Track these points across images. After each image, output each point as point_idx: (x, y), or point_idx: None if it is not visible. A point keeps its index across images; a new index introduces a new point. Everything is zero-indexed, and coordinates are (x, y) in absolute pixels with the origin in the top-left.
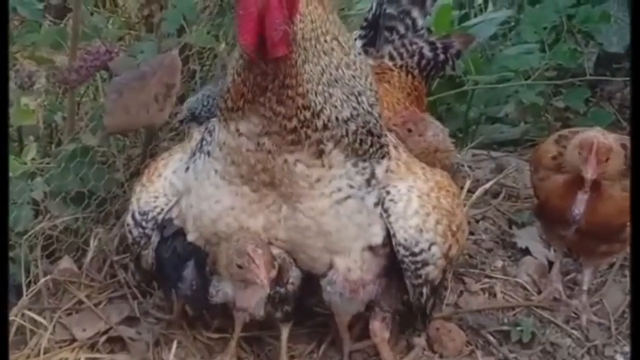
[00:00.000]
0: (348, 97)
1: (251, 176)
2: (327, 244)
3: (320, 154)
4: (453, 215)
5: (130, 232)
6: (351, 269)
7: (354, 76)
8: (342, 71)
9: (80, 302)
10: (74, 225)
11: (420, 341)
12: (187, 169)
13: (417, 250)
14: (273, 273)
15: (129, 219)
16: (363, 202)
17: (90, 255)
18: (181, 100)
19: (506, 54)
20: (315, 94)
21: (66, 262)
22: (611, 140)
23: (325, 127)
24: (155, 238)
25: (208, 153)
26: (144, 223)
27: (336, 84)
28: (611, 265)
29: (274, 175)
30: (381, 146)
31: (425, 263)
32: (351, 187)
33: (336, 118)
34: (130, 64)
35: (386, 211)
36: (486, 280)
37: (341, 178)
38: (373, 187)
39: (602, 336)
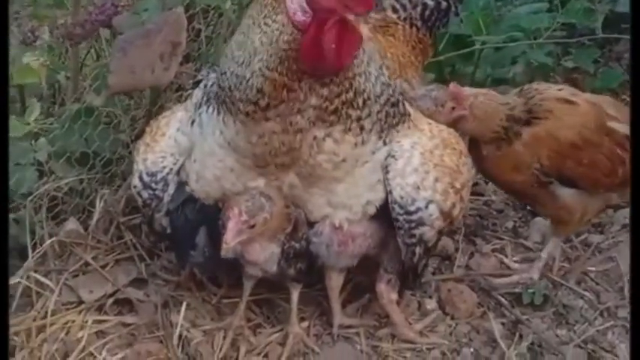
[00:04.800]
0: (378, 72)
1: (267, 162)
2: (331, 199)
3: (360, 130)
4: (458, 173)
5: (140, 194)
6: (350, 221)
7: (376, 49)
8: (372, 45)
9: (87, 264)
10: (79, 186)
11: (431, 303)
12: (193, 122)
13: (412, 208)
14: (289, 228)
15: (136, 181)
16: (376, 161)
17: (96, 216)
18: (187, 59)
19: (515, 13)
20: (360, 76)
21: (72, 224)
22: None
23: (365, 104)
24: (167, 199)
25: (214, 106)
26: (153, 185)
27: (372, 61)
28: (624, 226)
29: (299, 155)
30: (402, 115)
31: (420, 223)
32: (373, 152)
33: (373, 95)
34: (135, 22)
35: (386, 167)
36: (497, 241)
37: (367, 153)
38: (386, 144)
39: (614, 298)
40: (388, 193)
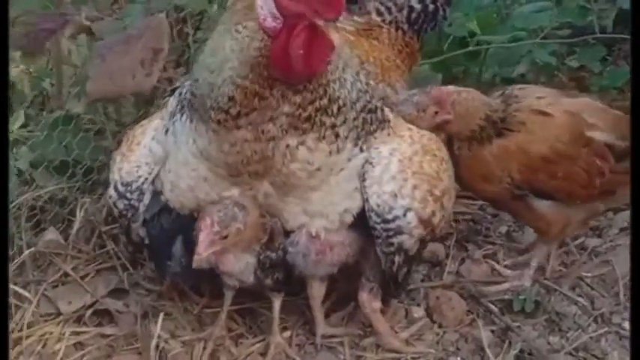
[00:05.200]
0: (354, 77)
1: (239, 171)
2: (307, 208)
3: (335, 138)
4: (438, 180)
5: (115, 204)
6: (327, 230)
7: (355, 54)
8: (348, 51)
9: (66, 274)
10: (59, 195)
11: (418, 311)
12: (167, 131)
13: (389, 216)
14: (264, 238)
15: (111, 191)
16: (352, 168)
17: (76, 226)
18: (178, 63)
19: (518, 12)
20: (335, 82)
21: (51, 234)
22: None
23: (340, 111)
24: (142, 209)
25: (188, 114)
26: (128, 195)
27: (347, 67)
28: (623, 229)
29: (272, 164)
30: (381, 122)
31: (398, 231)
32: (349, 160)
33: (349, 101)
34: (116, 27)
35: (363, 174)
36: (490, 246)
37: (342, 161)
38: (363, 151)
39: (609, 304)
40: (365, 201)
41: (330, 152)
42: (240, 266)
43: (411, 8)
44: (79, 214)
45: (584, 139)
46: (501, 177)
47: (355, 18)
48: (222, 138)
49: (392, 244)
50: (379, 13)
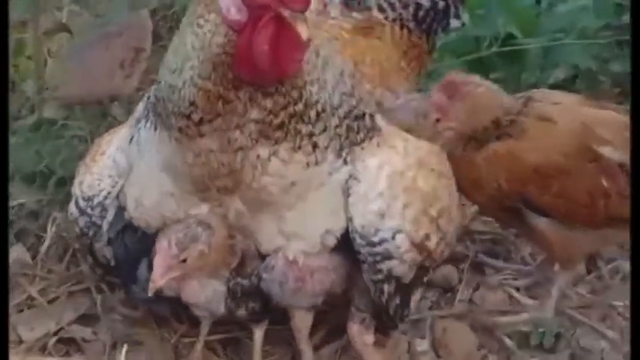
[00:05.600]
0: (337, 79)
1: (207, 185)
2: (283, 229)
3: (313, 148)
4: (434, 198)
5: (76, 222)
6: (306, 253)
7: (336, 51)
8: (329, 49)
9: (32, 298)
10: (29, 208)
11: (423, 344)
12: (131, 139)
13: (375, 239)
14: (234, 262)
15: (72, 207)
16: (334, 183)
17: (47, 242)
18: None
19: (558, 11)
20: (312, 84)
21: (17, 252)
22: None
23: (318, 117)
24: (106, 227)
25: (152, 121)
26: (89, 210)
27: (327, 66)
28: None
29: (241, 178)
30: (369, 130)
31: (386, 256)
32: (330, 174)
33: (330, 106)
34: (94, 24)
35: (347, 190)
36: (509, 271)
37: (322, 175)
38: (347, 164)
39: None
40: (349, 221)
41: (308, 164)
42: (206, 295)
43: (418, 5)
44: (50, 230)
45: (592, 154)
46: (489, 184)
47: (354, 14)
48: (186, 148)
49: (380, 270)
50: (381, 9)
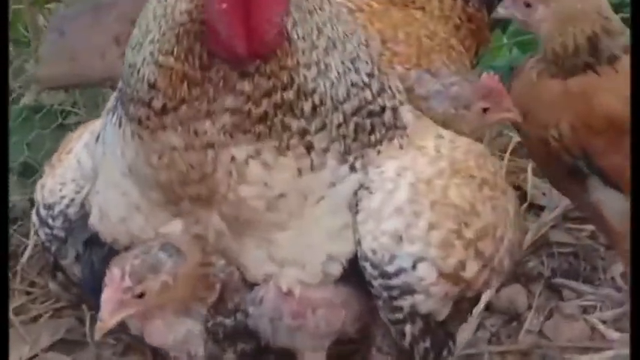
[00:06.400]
0: (346, 66)
1: (178, 195)
2: (273, 253)
3: (307, 150)
4: (472, 215)
5: (37, 233)
6: (305, 284)
7: (346, 34)
8: (337, 30)
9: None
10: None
11: None
12: (98, 138)
13: (390, 269)
14: (212, 296)
15: (33, 216)
16: (339, 195)
17: (28, 252)
18: None
19: None
20: (308, 67)
21: None
22: None
23: (315, 111)
24: (71, 241)
25: (118, 114)
26: (50, 221)
27: (335, 49)
28: None
29: (215, 186)
30: (389, 128)
31: (406, 290)
32: (332, 184)
33: (331, 99)
34: None
35: (356, 205)
36: (592, 296)
37: (321, 185)
38: (355, 171)
39: None
40: (357, 244)
41: (300, 171)
42: (175, 337)
43: None
44: (33, 237)
45: None
46: (547, 126)
47: None
48: (148, 145)
49: (399, 308)
50: None
